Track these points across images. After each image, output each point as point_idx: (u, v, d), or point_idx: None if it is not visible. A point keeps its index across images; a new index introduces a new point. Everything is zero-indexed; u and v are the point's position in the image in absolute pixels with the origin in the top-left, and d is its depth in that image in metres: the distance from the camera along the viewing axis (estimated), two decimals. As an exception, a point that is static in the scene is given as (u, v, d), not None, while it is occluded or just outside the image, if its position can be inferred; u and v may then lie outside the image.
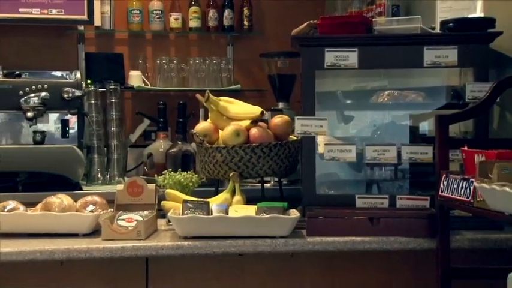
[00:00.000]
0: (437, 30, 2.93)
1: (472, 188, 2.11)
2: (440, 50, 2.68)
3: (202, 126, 2.96)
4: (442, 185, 2.36)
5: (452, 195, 2.27)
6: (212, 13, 4.72)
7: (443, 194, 2.35)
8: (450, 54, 2.68)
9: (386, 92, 2.94)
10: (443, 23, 2.85)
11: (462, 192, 2.19)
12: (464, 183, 2.18)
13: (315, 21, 2.83)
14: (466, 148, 2.31)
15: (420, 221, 2.54)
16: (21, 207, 2.64)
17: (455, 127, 2.77)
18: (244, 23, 4.79)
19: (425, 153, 2.67)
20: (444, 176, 2.35)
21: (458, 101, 2.82)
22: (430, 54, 2.69)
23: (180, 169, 3.12)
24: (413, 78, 3.04)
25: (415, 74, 2.99)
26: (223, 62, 4.74)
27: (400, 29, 2.79)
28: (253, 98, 3.87)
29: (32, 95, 3.87)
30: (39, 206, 2.67)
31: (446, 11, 2.95)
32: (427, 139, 2.88)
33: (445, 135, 2.44)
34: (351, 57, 2.71)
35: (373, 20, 2.94)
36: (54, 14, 4.31)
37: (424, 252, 2.54)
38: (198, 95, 3.00)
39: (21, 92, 3.86)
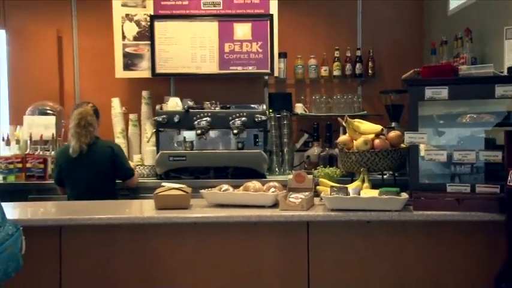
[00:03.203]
0: (505, 73, 2.74)
1: (531, 180, 1.98)
2: (507, 86, 2.50)
3: (343, 138, 2.94)
4: (509, 178, 2.25)
5: (517, 184, 2.15)
6: (348, 66, 4.68)
7: (510, 184, 2.23)
8: (515, 89, 2.50)
9: (468, 115, 2.79)
10: (510, 68, 2.66)
11: (524, 183, 2.07)
12: (526, 176, 2.06)
13: (418, 69, 2.74)
14: (526, 153, 2.16)
15: (493, 202, 2.40)
16: (231, 189, 2.73)
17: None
18: (369, 71, 4.70)
19: (496, 156, 2.50)
20: (511, 171, 2.24)
21: (521, 120, 2.64)
22: (499, 89, 2.51)
23: (328, 166, 3.12)
24: (487, 105, 2.84)
25: (488, 103, 2.79)
26: (355, 97, 4.67)
27: (477, 73, 2.63)
28: (375, 120, 3.74)
29: (237, 119, 4.01)
30: (241, 188, 2.75)
31: (512, 60, 2.77)
32: (497, 146, 2.70)
33: (511, 144, 2.31)
34: (443, 92, 2.59)
35: (459, 67, 2.80)
36: (250, 69, 4.44)
37: (497, 223, 2.39)
38: (339, 119, 3.00)
39: (230, 117, 4.02)
